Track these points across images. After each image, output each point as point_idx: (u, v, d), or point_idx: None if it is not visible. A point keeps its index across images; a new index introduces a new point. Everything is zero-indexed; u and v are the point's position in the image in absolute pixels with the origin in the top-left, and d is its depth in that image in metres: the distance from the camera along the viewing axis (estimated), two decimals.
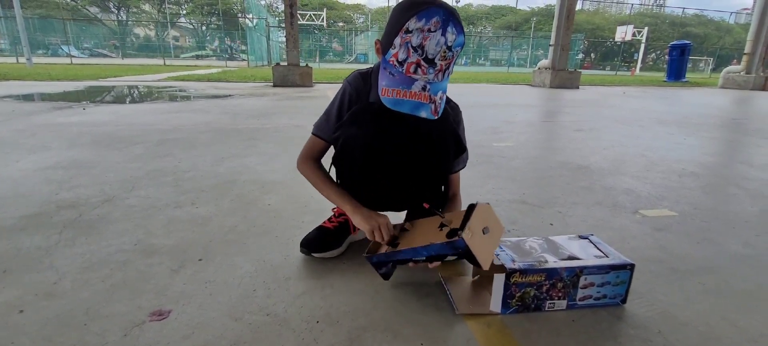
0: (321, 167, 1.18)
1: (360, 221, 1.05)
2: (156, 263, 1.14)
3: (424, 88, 0.92)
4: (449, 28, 0.89)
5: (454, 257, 0.95)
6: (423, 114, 0.92)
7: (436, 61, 0.90)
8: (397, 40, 0.90)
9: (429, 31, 0.88)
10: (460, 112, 1.17)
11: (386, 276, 1.05)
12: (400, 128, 1.04)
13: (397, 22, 0.91)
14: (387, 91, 0.93)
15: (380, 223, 1.04)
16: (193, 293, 1.00)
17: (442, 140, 1.07)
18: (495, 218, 0.97)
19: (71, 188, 1.75)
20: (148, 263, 1.14)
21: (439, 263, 0.99)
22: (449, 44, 0.89)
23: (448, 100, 1.10)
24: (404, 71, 0.91)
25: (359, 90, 1.10)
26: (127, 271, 1.10)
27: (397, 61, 0.91)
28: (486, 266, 0.90)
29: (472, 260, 0.91)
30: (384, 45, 0.96)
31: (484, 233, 0.92)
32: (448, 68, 0.93)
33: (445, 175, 1.17)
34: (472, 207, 0.94)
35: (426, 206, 1.02)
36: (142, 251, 1.21)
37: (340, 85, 1.17)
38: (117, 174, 1.95)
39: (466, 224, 0.89)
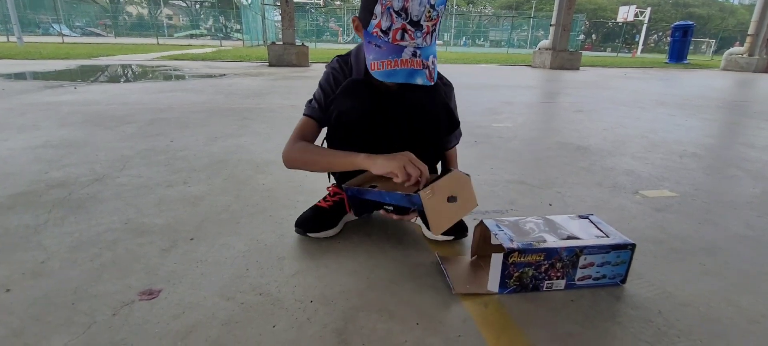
0: (308, 143, 1.11)
1: (384, 164, 0.93)
2: (146, 242, 1.12)
3: (414, 54, 0.87)
4: None
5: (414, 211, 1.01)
6: (419, 81, 0.88)
7: (421, 23, 0.85)
8: (377, 9, 0.85)
9: None
10: (453, 89, 1.14)
11: (358, 214, 1.09)
12: (389, 102, 1.01)
13: None
14: (376, 65, 0.88)
15: (408, 157, 0.93)
16: (184, 273, 0.98)
17: (434, 113, 1.05)
18: (470, 191, 0.96)
19: (61, 167, 1.71)
20: (139, 243, 1.11)
21: (405, 216, 1.06)
22: (432, 2, 0.85)
23: (441, 77, 1.07)
24: (390, 40, 0.86)
25: (343, 72, 1.08)
26: (117, 250, 1.07)
27: (381, 30, 0.86)
28: (435, 231, 0.91)
29: (425, 220, 0.94)
30: (362, 19, 0.90)
31: (448, 200, 0.91)
32: (434, 30, 0.89)
33: (439, 150, 1.15)
34: (447, 172, 0.93)
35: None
36: (133, 230, 1.18)
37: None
38: (108, 153, 1.91)
39: (431, 183, 0.88)
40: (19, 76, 5.04)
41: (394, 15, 0.84)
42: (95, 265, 1.00)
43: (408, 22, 0.85)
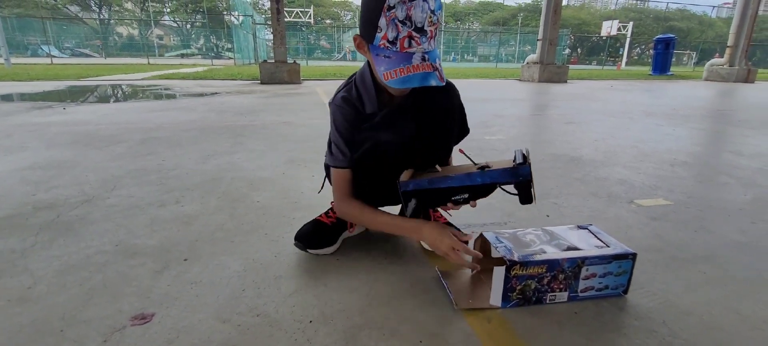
0: (361, 201, 1.10)
1: (431, 238, 0.98)
2: (138, 264, 1.09)
3: (423, 59, 0.90)
4: None
5: (507, 186, 0.96)
6: (432, 82, 0.90)
7: (425, 28, 0.88)
8: (382, 22, 0.88)
9: (410, 0, 0.85)
10: (454, 87, 1.16)
11: (415, 213, 0.99)
12: (408, 122, 1.04)
13: (375, 5, 0.88)
14: (389, 74, 0.90)
15: (458, 237, 0.97)
16: (178, 295, 0.95)
17: (451, 113, 1.08)
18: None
19: (49, 188, 1.67)
20: (130, 265, 1.08)
21: (478, 200, 1.00)
22: (432, 8, 0.88)
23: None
24: (399, 49, 0.89)
25: (353, 105, 1.05)
26: (107, 273, 1.04)
27: (388, 41, 0.89)
28: (534, 200, 0.94)
29: (525, 194, 0.93)
30: (366, 35, 0.93)
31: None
32: (436, 33, 0.92)
33: (447, 155, 1.17)
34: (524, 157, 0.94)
35: (461, 151, 1.06)
36: (124, 252, 1.15)
37: (328, 81, 1.14)
38: (98, 174, 1.87)
39: (526, 159, 0.92)
40: (6, 97, 4.97)
41: (400, 24, 0.87)
42: (84, 289, 0.97)
43: (413, 30, 0.88)
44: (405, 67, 0.89)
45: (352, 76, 1.09)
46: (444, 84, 0.94)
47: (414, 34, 0.88)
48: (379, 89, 1.05)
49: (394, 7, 0.86)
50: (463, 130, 1.16)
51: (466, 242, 0.97)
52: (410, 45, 0.89)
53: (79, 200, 1.54)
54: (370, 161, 1.05)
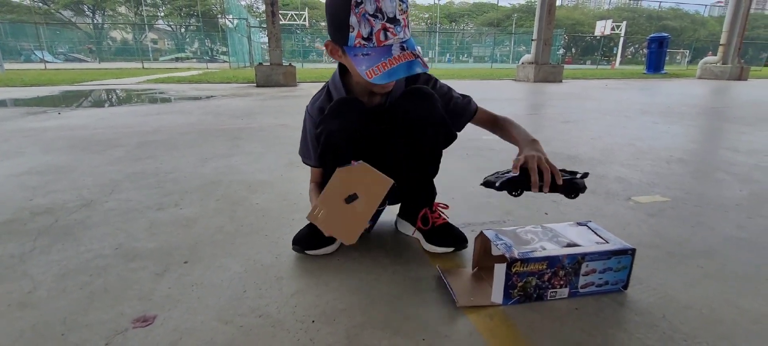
0: (319, 188, 1.15)
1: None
2: (139, 267, 1.08)
3: (403, 48, 0.89)
4: None
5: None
6: (418, 70, 0.90)
7: (397, 17, 0.87)
8: (353, 20, 0.86)
9: None
10: (436, 80, 1.17)
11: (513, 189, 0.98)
12: (380, 119, 1.03)
13: (343, 4, 0.86)
14: (372, 72, 0.88)
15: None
16: (180, 297, 0.95)
17: (430, 124, 1.05)
18: (373, 175, 0.94)
19: (47, 193, 1.66)
20: (131, 268, 1.08)
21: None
22: None
23: (417, 77, 1.11)
24: (376, 43, 0.87)
25: (320, 110, 1.09)
26: (108, 277, 1.03)
27: (364, 38, 0.87)
28: (348, 241, 0.93)
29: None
30: (339, 38, 0.91)
31: (347, 202, 0.92)
32: (408, 21, 0.91)
33: (436, 153, 1.15)
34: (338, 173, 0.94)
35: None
36: (124, 256, 1.14)
37: (323, 84, 1.15)
38: (95, 178, 1.87)
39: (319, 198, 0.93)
40: (0, 103, 4.93)
41: (372, 18, 0.85)
42: (85, 293, 0.96)
43: (386, 21, 0.86)
44: (387, 60, 0.87)
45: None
46: (429, 70, 0.94)
47: (388, 25, 0.86)
48: (348, 90, 1.06)
49: (362, 2, 0.84)
50: (448, 137, 1.13)
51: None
52: (386, 37, 0.87)
53: (78, 204, 1.54)
54: (328, 155, 1.05)
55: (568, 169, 1.02)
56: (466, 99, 1.21)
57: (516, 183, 0.97)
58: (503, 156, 2.28)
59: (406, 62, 0.88)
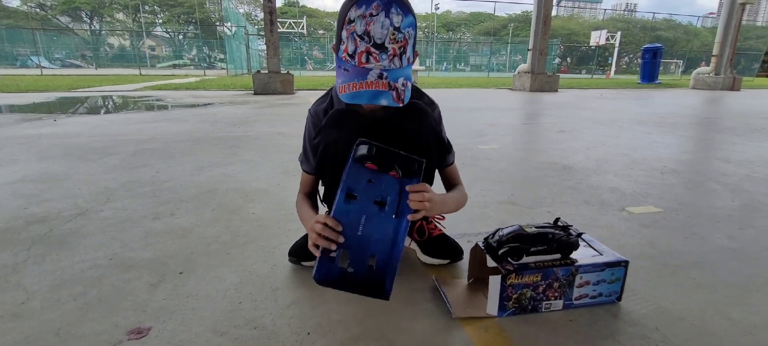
0: (306, 198, 1.14)
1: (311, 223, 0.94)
2: (133, 277, 1.08)
3: (380, 76, 0.88)
4: (393, 10, 0.85)
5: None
6: (383, 102, 0.88)
7: (386, 45, 0.86)
8: (344, 34, 0.88)
9: (371, 15, 0.84)
10: (437, 107, 1.13)
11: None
12: (377, 131, 1.02)
13: (341, 17, 0.89)
14: (343, 88, 0.89)
15: (318, 220, 0.91)
16: (174, 308, 0.94)
17: (424, 139, 1.04)
18: None
19: (41, 202, 1.65)
20: (125, 278, 1.07)
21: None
22: (396, 25, 0.86)
23: (422, 95, 1.09)
24: (356, 63, 0.88)
25: (320, 116, 1.09)
26: (102, 287, 1.03)
27: (348, 55, 0.88)
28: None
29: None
30: (335, 46, 0.94)
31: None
32: (403, 52, 0.89)
33: (432, 171, 1.15)
34: None
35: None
36: (118, 266, 1.14)
37: (323, 92, 1.16)
38: (90, 186, 1.86)
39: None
40: None
41: (358, 39, 0.86)
42: (79, 304, 0.96)
43: (371, 45, 0.86)
44: (358, 82, 0.88)
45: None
46: (400, 106, 0.90)
47: (372, 50, 0.86)
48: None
49: (353, 21, 0.85)
50: (441, 157, 1.12)
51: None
52: (368, 60, 0.87)
53: (72, 213, 1.53)
54: (326, 164, 1.05)
55: (560, 223, 1.00)
56: (451, 146, 1.17)
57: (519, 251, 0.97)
58: (500, 166, 2.30)
59: (374, 90, 0.87)
